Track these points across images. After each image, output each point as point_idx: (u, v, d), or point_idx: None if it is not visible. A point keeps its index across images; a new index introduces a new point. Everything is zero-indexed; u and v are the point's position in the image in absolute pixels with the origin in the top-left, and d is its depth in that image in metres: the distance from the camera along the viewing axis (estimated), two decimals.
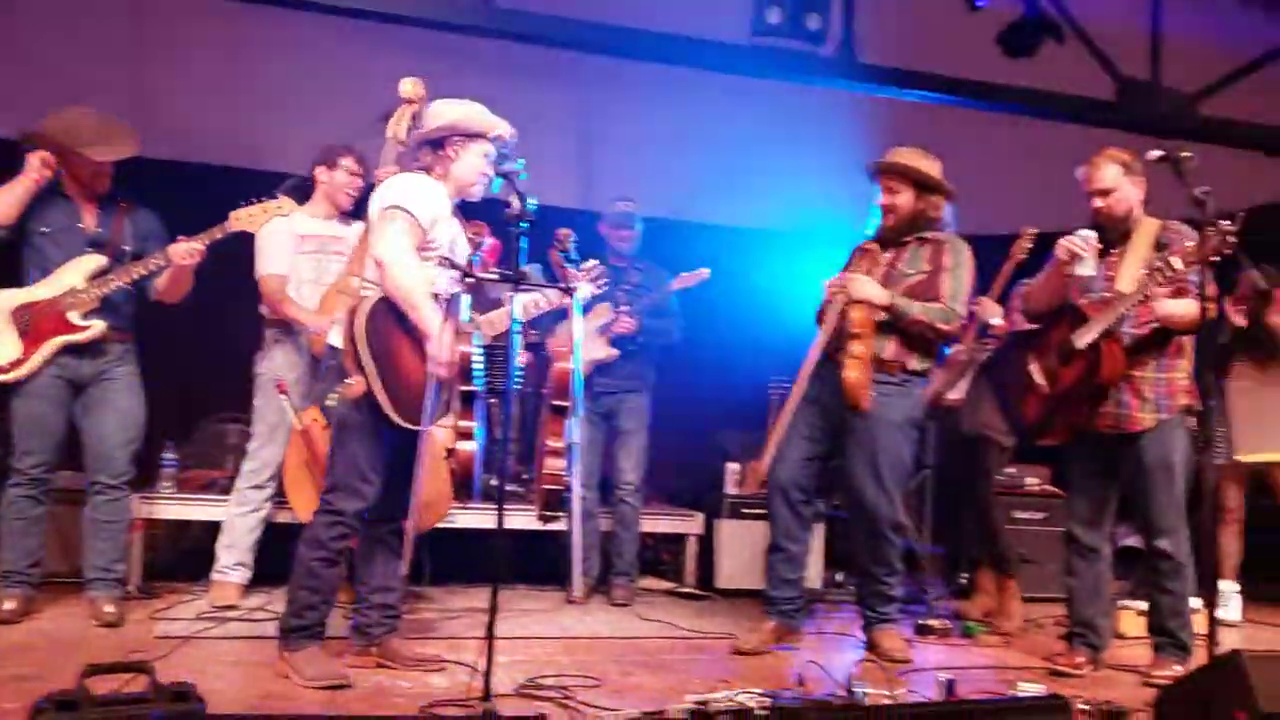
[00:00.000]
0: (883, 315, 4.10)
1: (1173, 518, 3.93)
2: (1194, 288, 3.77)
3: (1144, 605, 4.64)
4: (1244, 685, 2.69)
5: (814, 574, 5.43)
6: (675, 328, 5.28)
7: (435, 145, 3.52)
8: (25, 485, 4.08)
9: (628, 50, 5.29)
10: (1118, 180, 3.99)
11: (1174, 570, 3.94)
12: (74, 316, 4.05)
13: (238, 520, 4.56)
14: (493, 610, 2.92)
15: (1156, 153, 3.55)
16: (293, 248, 4.55)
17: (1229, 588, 5.28)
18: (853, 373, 4.01)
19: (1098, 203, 4.01)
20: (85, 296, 4.05)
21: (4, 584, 4.04)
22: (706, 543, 5.55)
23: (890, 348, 4.13)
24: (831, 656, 4.02)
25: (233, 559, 4.53)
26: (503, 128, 3.51)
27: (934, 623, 4.68)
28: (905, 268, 4.21)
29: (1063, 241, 3.97)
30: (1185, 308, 3.82)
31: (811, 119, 6.40)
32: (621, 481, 5.17)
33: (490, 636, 2.90)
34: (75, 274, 4.09)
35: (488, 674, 2.91)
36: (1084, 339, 3.90)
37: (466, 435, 2.99)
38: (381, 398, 3.20)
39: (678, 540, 5.67)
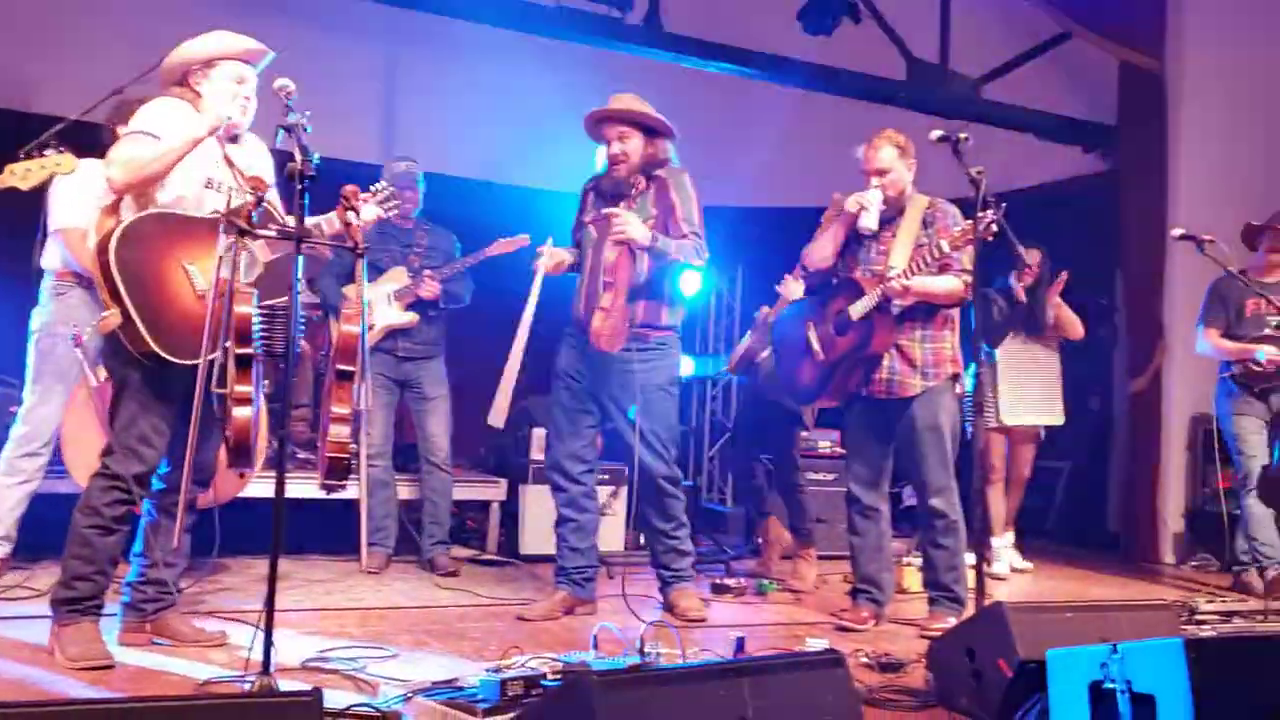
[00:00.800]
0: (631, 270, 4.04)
1: (943, 477, 4.16)
2: (957, 264, 4.04)
3: (916, 559, 4.97)
4: (1005, 635, 2.88)
5: (617, 536, 5.51)
6: (466, 290, 5.19)
7: (180, 84, 3.35)
8: None
9: (432, 4, 5.16)
10: (893, 162, 4.17)
11: (947, 527, 4.16)
12: None
13: (4, 492, 4.20)
14: (272, 580, 2.79)
15: (938, 133, 3.72)
16: (94, 200, 4.21)
17: (1000, 543, 5.69)
18: (603, 322, 3.98)
19: (875, 182, 4.19)
20: None
21: None
22: (510, 509, 5.53)
23: (639, 311, 4.12)
24: (629, 619, 4.08)
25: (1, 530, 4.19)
26: (245, 44, 3.34)
27: (730, 581, 4.83)
28: (638, 214, 4.10)
29: (854, 196, 4.16)
30: (946, 284, 4.08)
31: (621, 84, 6.41)
32: (434, 449, 5.09)
33: (269, 609, 2.78)
34: None
35: (267, 647, 2.80)
36: (859, 311, 4.12)
37: (243, 401, 2.85)
38: (142, 329, 3.00)
39: (482, 507, 5.63)
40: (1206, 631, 4.02)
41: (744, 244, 7.24)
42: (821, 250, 4.31)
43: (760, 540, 5.66)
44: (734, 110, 6.47)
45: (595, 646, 3.44)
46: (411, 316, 5.00)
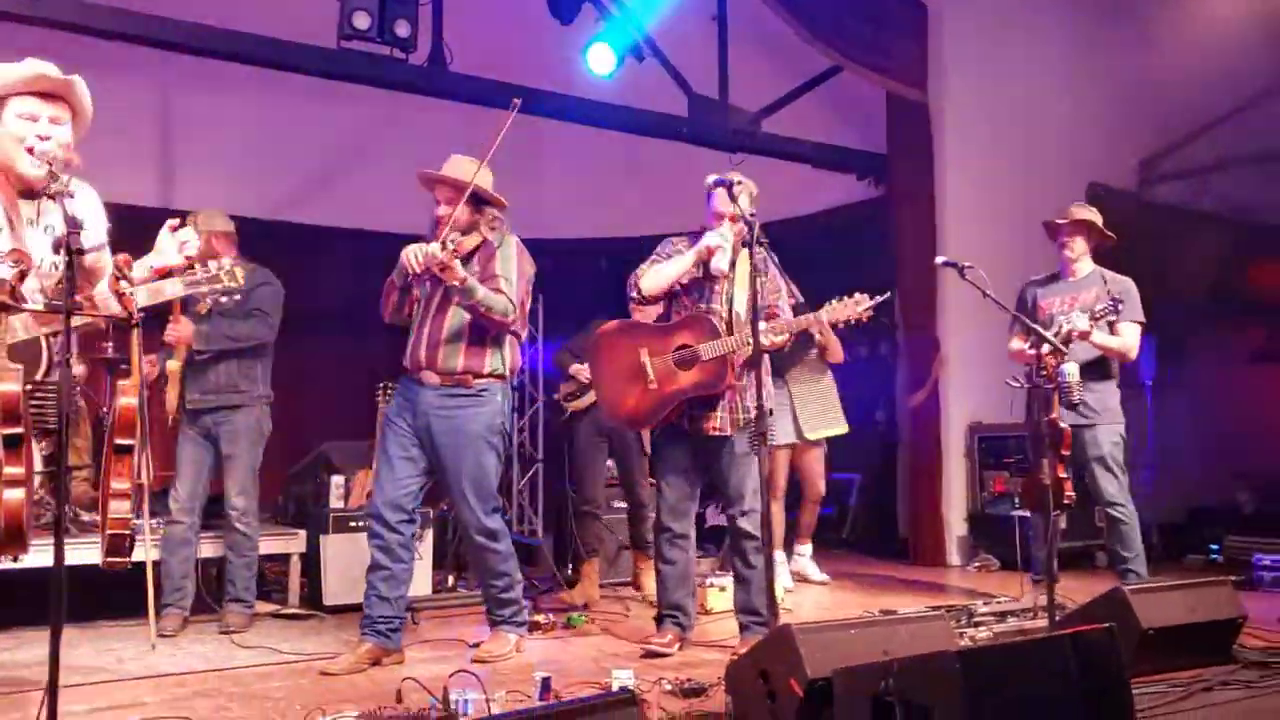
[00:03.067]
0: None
1: (756, 501, 4.30)
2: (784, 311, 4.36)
3: (726, 581, 5.14)
4: (794, 655, 3.03)
5: (424, 579, 5.46)
6: (266, 327, 4.94)
7: None
8: None
9: (206, 48, 5.02)
10: (746, 208, 4.19)
11: (758, 549, 4.30)
12: None
13: None
14: (54, 657, 2.63)
15: (713, 177, 3.90)
16: None
17: (779, 557, 5.92)
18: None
19: (726, 226, 4.28)
20: None
21: None
22: (312, 559, 5.40)
23: (460, 359, 4.17)
24: (435, 667, 4.06)
25: None
26: (23, 71, 3.01)
27: (539, 618, 4.86)
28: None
29: (710, 236, 4.26)
30: (784, 340, 4.32)
31: (408, 119, 6.40)
32: (231, 507, 4.91)
33: (52, 686, 2.61)
34: None
35: None
36: (711, 351, 4.21)
37: (14, 483, 2.70)
38: None
39: (281, 559, 5.48)
40: (983, 633, 4.34)
41: (542, 276, 7.31)
42: (662, 280, 4.36)
43: (572, 569, 5.75)
44: (524, 145, 6.56)
45: (399, 700, 3.42)
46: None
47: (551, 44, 6.12)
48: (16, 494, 2.71)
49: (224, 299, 3.38)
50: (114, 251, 3.74)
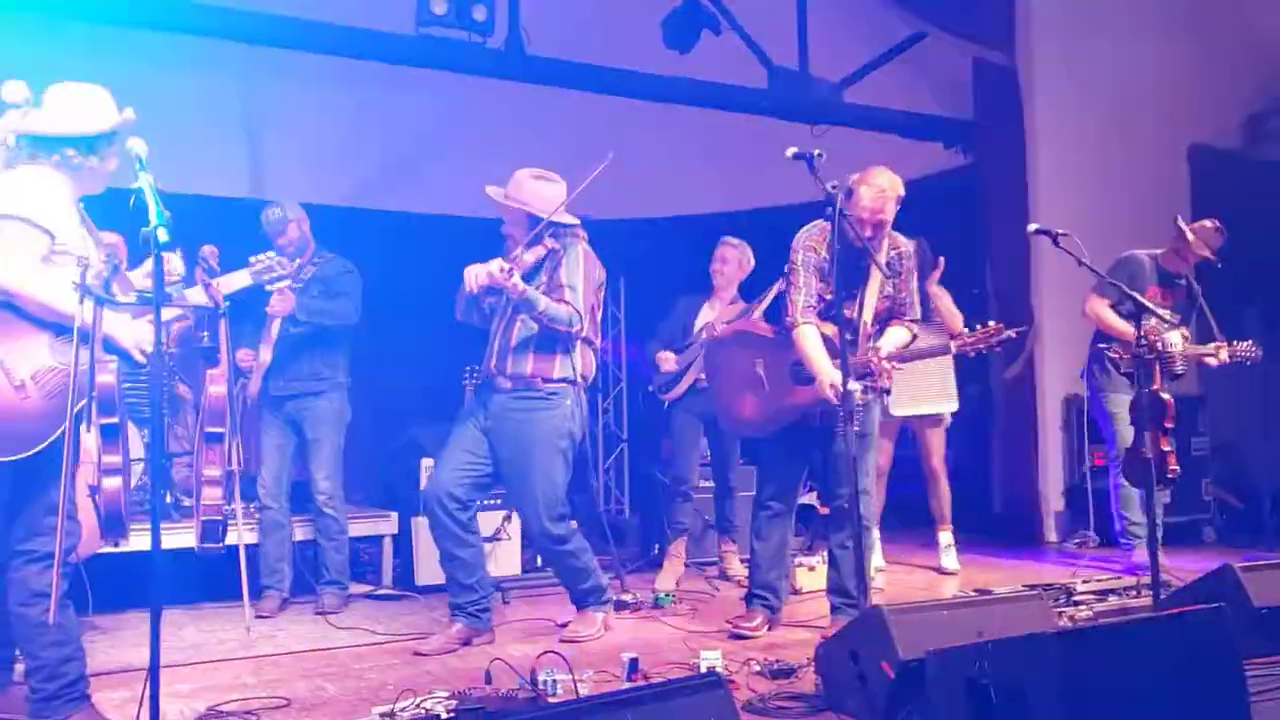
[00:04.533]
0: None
1: (865, 481, 4.22)
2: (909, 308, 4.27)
3: (815, 561, 5.08)
4: (886, 637, 2.97)
5: (513, 560, 5.51)
6: (352, 307, 4.99)
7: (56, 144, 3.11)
8: None
9: (293, 41, 5.11)
10: (892, 213, 4.12)
11: (852, 533, 4.18)
12: None
13: None
14: (155, 635, 2.70)
15: (793, 150, 3.81)
16: None
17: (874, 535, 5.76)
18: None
19: (868, 231, 4.08)
20: None
21: None
22: (404, 541, 5.48)
23: (529, 364, 4.23)
24: (524, 648, 4.09)
25: None
26: (102, 120, 3.13)
27: (626, 597, 4.86)
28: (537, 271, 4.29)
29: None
30: (906, 340, 4.26)
31: (486, 105, 6.41)
32: (318, 491, 5.01)
33: (154, 665, 2.69)
34: None
35: (154, 708, 2.71)
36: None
37: (111, 471, 2.78)
38: None
39: (375, 541, 5.57)
40: (1083, 612, 4.21)
41: (624, 256, 7.31)
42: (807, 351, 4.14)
43: (658, 549, 5.74)
44: (603, 125, 6.53)
45: (489, 681, 3.45)
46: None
47: (628, 21, 6.07)
48: (115, 481, 2.79)
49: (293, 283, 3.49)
50: (204, 242, 3.86)
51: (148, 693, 2.59)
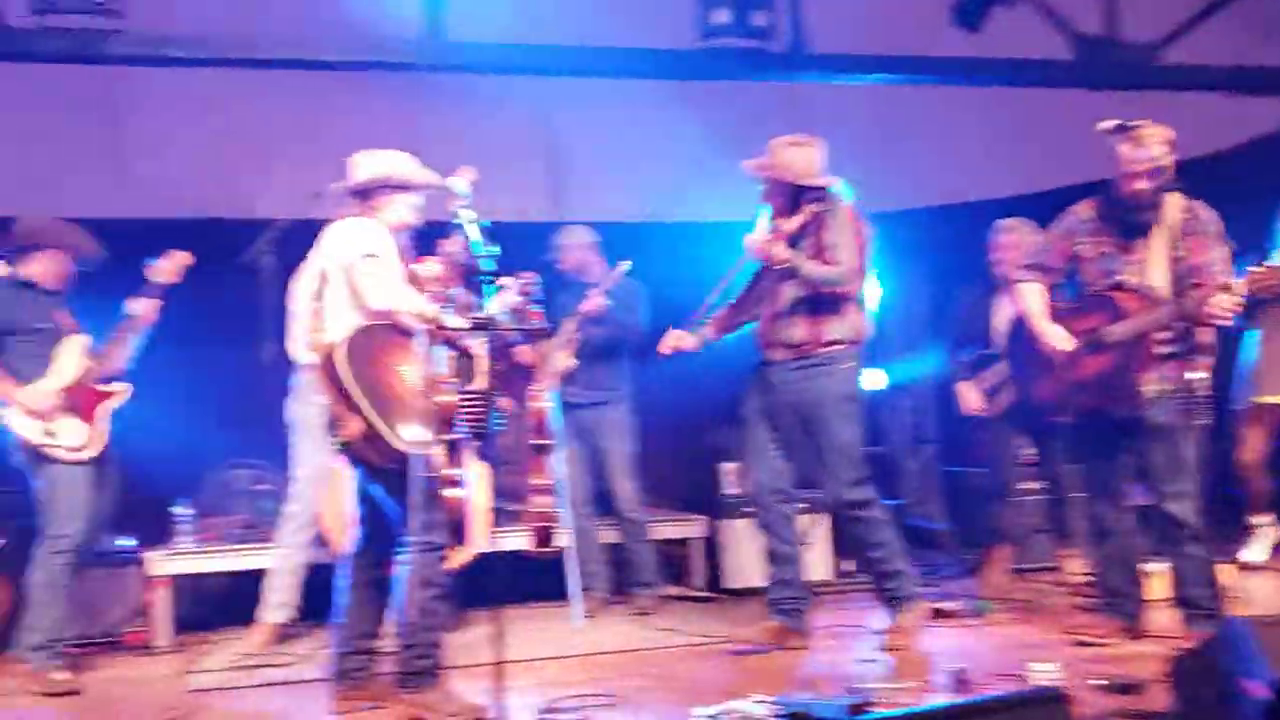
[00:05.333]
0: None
1: (1185, 481, 3.93)
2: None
3: (1162, 566, 4.67)
4: (1254, 651, 2.69)
5: (825, 564, 5.47)
6: (638, 322, 5.19)
7: (362, 195, 3.59)
8: (69, 555, 4.23)
9: (584, 68, 5.33)
10: (1166, 158, 3.87)
11: (1191, 536, 3.93)
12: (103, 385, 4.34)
13: (282, 565, 4.65)
14: (499, 636, 2.89)
15: (1111, 123, 3.54)
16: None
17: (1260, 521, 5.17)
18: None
19: (1141, 184, 3.87)
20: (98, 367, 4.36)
21: (50, 654, 4.16)
22: (712, 543, 5.58)
23: (801, 329, 4.18)
24: (841, 653, 4.05)
25: (277, 600, 4.64)
26: (430, 178, 3.58)
27: (945, 605, 4.69)
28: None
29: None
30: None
31: (767, 111, 6.40)
32: (620, 497, 5.19)
33: (501, 663, 2.87)
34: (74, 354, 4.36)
35: (503, 702, 2.90)
36: (1119, 334, 3.91)
37: (454, 483, 3.02)
38: (384, 430, 3.26)
39: (681, 543, 5.70)
40: None
41: (915, 247, 7.08)
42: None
43: (976, 555, 5.49)
44: (885, 115, 6.36)
45: (811, 685, 3.43)
46: (569, 361, 5.05)
47: (911, 5, 5.86)
48: (458, 492, 3.02)
49: None
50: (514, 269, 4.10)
51: (496, 687, 2.80)
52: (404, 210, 3.63)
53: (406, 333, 3.40)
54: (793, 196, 4.21)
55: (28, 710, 3.95)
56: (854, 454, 4.21)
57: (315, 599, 4.53)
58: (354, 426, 3.27)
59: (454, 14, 5.02)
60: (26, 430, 4.19)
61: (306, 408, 4.58)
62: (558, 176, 6.75)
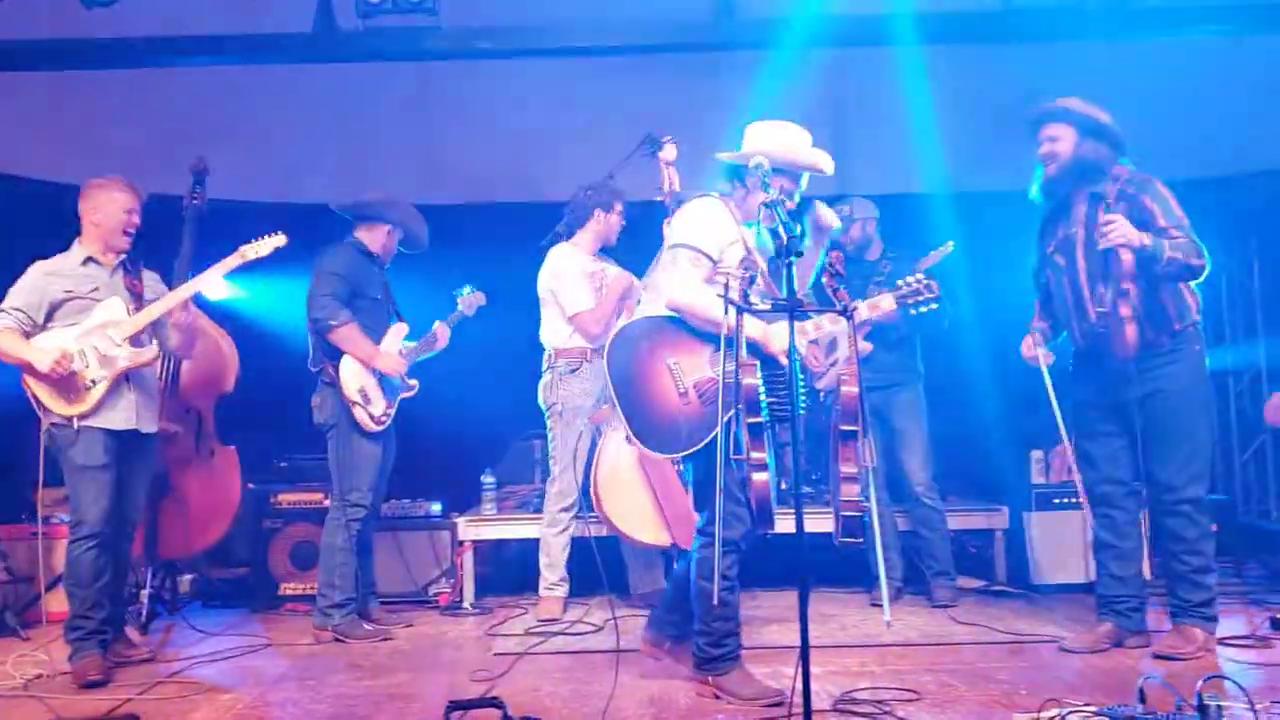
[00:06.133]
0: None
1: None
2: None
3: None
4: None
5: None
6: (943, 314, 4.88)
7: (736, 172, 3.54)
8: (363, 519, 4.62)
9: (875, 36, 5.16)
10: None
11: None
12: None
13: (552, 540, 4.91)
14: (804, 621, 2.82)
15: None
16: (588, 284, 4.90)
17: None
18: (1120, 328, 3.74)
19: None
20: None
21: (352, 609, 4.59)
22: (1014, 536, 5.28)
23: (1148, 331, 3.83)
24: (1171, 663, 3.71)
25: (555, 576, 4.90)
26: (820, 163, 3.46)
27: None
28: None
29: None
30: None
31: (1078, 74, 5.95)
32: (915, 482, 5.00)
33: (804, 653, 2.80)
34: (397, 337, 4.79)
35: (806, 693, 2.83)
36: None
37: (759, 467, 2.98)
38: (622, 423, 3.38)
39: (981, 534, 5.43)
40: None
41: (1251, 216, 6.38)
42: None
43: None
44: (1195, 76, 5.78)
45: (1143, 699, 3.15)
46: (864, 345, 4.91)
47: None
48: (763, 476, 2.98)
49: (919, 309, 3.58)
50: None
51: (795, 672, 2.74)
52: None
53: (689, 326, 3.42)
54: (1079, 152, 3.91)
55: (343, 655, 4.31)
56: (1204, 448, 3.91)
57: (587, 571, 4.75)
58: (603, 412, 3.34)
59: None
60: (351, 392, 4.54)
61: (558, 391, 4.87)
62: (843, 147, 6.60)
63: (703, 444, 3.31)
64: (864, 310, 3.59)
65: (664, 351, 3.45)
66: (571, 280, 4.84)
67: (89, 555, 3.89)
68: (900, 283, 3.63)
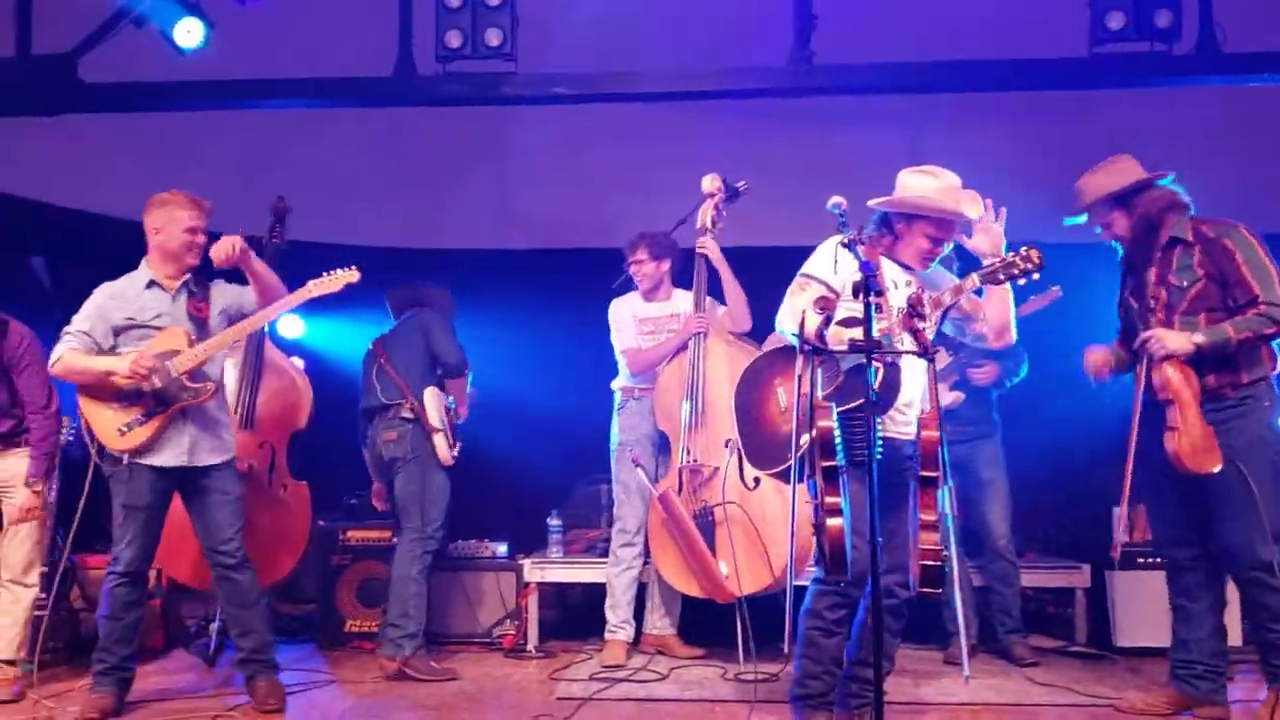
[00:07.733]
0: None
1: None
2: None
3: None
4: None
5: (1232, 631, 4.81)
6: (1005, 373, 4.94)
7: (883, 220, 3.53)
8: (434, 553, 4.69)
9: (956, 83, 5.11)
10: None
11: None
12: None
13: (615, 580, 4.89)
14: (878, 682, 2.75)
15: None
16: (636, 328, 4.97)
17: None
18: (1178, 444, 3.57)
19: None
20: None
21: (423, 643, 4.59)
22: (1095, 596, 5.08)
23: (1211, 377, 3.66)
24: None
25: (616, 618, 4.86)
26: (948, 206, 3.40)
27: None
28: (1178, 279, 3.72)
29: None
30: None
31: (1168, 117, 5.84)
32: (996, 535, 4.86)
33: (878, 701, 2.72)
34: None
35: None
36: None
37: (834, 511, 2.90)
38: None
39: (1060, 593, 5.24)
40: None
41: None
42: None
43: None
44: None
45: None
46: (956, 395, 4.84)
47: None
48: (836, 521, 2.90)
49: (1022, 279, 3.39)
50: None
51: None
52: (920, 241, 3.46)
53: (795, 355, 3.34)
54: (1135, 219, 3.82)
55: (406, 694, 4.28)
56: (1268, 508, 3.66)
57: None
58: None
59: (821, 36, 5.01)
60: (436, 421, 4.67)
61: (612, 427, 4.98)
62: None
63: (784, 465, 3.45)
64: (948, 295, 3.46)
65: (777, 378, 3.69)
66: (616, 323, 5.02)
67: (120, 590, 3.90)
68: (987, 262, 3.46)
